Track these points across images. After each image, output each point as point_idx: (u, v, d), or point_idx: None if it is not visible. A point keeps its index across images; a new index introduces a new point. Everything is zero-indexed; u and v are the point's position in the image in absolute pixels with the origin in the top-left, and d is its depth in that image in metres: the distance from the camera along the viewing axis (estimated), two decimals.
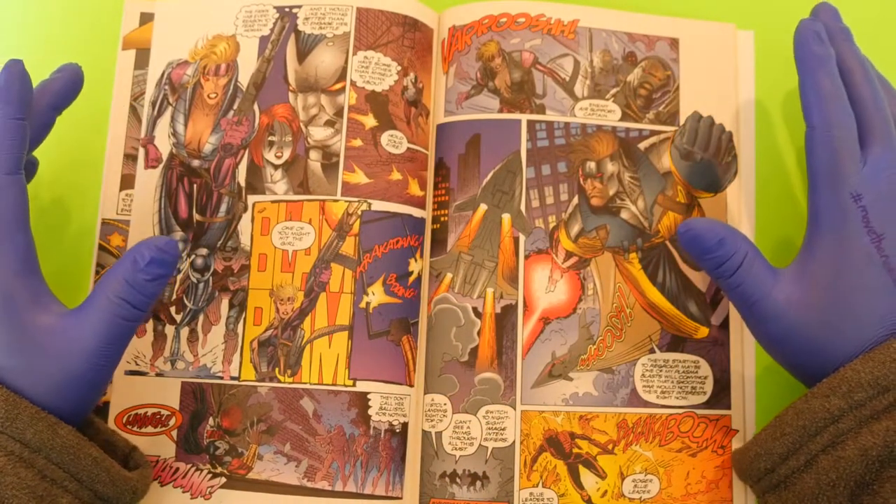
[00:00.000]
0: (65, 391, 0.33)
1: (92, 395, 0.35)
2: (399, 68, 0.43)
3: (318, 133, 0.42)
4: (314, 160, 0.42)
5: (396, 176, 0.42)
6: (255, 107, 0.43)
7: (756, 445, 0.36)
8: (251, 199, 0.42)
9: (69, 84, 0.37)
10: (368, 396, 0.40)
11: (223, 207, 0.42)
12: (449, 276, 0.42)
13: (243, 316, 0.41)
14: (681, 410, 0.41)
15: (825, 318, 0.35)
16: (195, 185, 0.43)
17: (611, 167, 0.43)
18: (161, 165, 0.43)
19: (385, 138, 0.42)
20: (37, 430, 0.32)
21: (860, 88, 0.37)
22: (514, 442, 0.40)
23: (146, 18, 0.44)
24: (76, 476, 0.32)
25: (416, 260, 0.42)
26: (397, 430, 0.40)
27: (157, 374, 0.41)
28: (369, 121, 0.42)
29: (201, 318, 0.41)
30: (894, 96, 0.39)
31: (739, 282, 0.36)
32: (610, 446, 0.41)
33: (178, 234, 0.42)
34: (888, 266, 0.34)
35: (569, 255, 0.42)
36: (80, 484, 0.32)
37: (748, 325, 0.38)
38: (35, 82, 0.36)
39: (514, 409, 0.41)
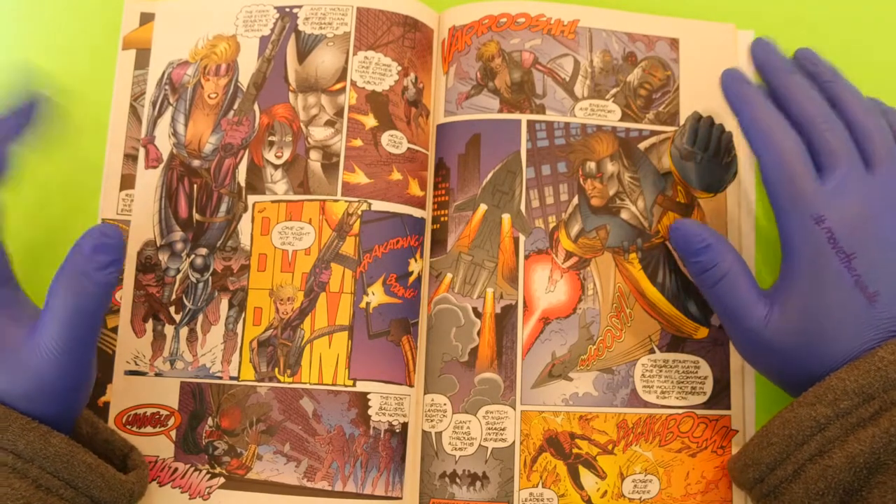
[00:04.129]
0: (42, 399, 0.32)
1: (76, 398, 0.34)
2: (399, 68, 0.43)
3: (318, 133, 0.42)
4: (314, 160, 0.42)
5: (396, 176, 0.42)
6: (256, 107, 0.43)
7: (745, 455, 0.36)
8: (251, 199, 0.42)
9: (21, 116, 0.35)
10: (368, 396, 0.40)
11: (223, 207, 0.42)
12: (449, 276, 0.42)
13: (243, 316, 0.41)
14: (681, 411, 0.41)
15: (802, 338, 0.35)
16: (195, 185, 0.43)
17: (611, 167, 0.43)
18: (161, 165, 0.43)
19: (385, 138, 0.42)
20: (28, 440, 0.31)
21: (807, 111, 0.37)
22: (513, 442, 0.40)
23: (146, 18, 0.44)
24: (71, 483, 0.32)
25: (416, 260, 0.42)
26: (397, 430, 0.40)
27: (157, 374, 0.41)
28: (369, 121, 0.42)
29: (201, 317, 0.41)
30: (878, 113, 0.38)
31: (721, 293, 0.37)
32: (610, 446, 0.41)
33: (178, 233, 0.42)
34: (860, 284, 0.34)
35: (569, 255, 0.42)
36: (75, 491, 0.32)
37: (730, 337, 0.39)
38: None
39: (514, 409, 0.41)
